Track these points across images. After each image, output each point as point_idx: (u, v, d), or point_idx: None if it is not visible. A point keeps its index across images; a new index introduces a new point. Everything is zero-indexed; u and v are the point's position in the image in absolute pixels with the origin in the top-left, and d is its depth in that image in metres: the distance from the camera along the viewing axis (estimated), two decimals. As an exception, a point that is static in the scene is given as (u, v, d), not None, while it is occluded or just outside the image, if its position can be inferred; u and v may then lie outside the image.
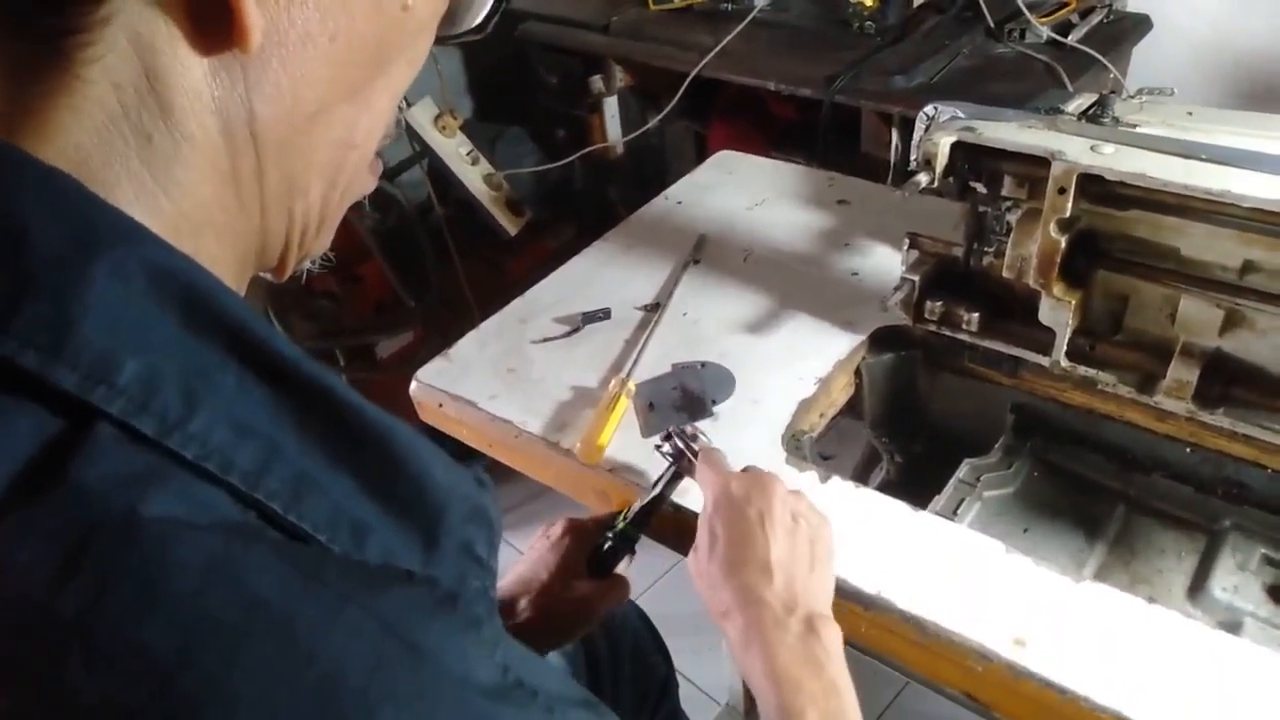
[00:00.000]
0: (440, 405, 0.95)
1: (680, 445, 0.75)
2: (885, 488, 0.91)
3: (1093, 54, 1.47)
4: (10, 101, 0.31)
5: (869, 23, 1.60)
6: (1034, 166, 0.78)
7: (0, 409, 0.28)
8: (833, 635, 0.62)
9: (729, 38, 1.62)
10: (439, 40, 0.42)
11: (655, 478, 0.77)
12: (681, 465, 0.75)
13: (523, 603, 0.74)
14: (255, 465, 0.30)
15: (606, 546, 0.75)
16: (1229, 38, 1.61)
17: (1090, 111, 0.88)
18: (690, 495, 0.77)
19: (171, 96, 0.32)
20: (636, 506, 0.76)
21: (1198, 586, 0.78)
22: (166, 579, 0.26)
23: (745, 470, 0.72)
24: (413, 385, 0.97)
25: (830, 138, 1.56)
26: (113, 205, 0.31)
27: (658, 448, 0.77)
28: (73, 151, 0.31)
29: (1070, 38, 1.49)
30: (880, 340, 0.96)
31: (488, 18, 0.44)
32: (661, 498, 0.75)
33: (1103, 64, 1.46)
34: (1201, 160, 0.72)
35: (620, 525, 0.75)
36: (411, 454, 0.34)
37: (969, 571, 0.71)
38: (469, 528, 0.35)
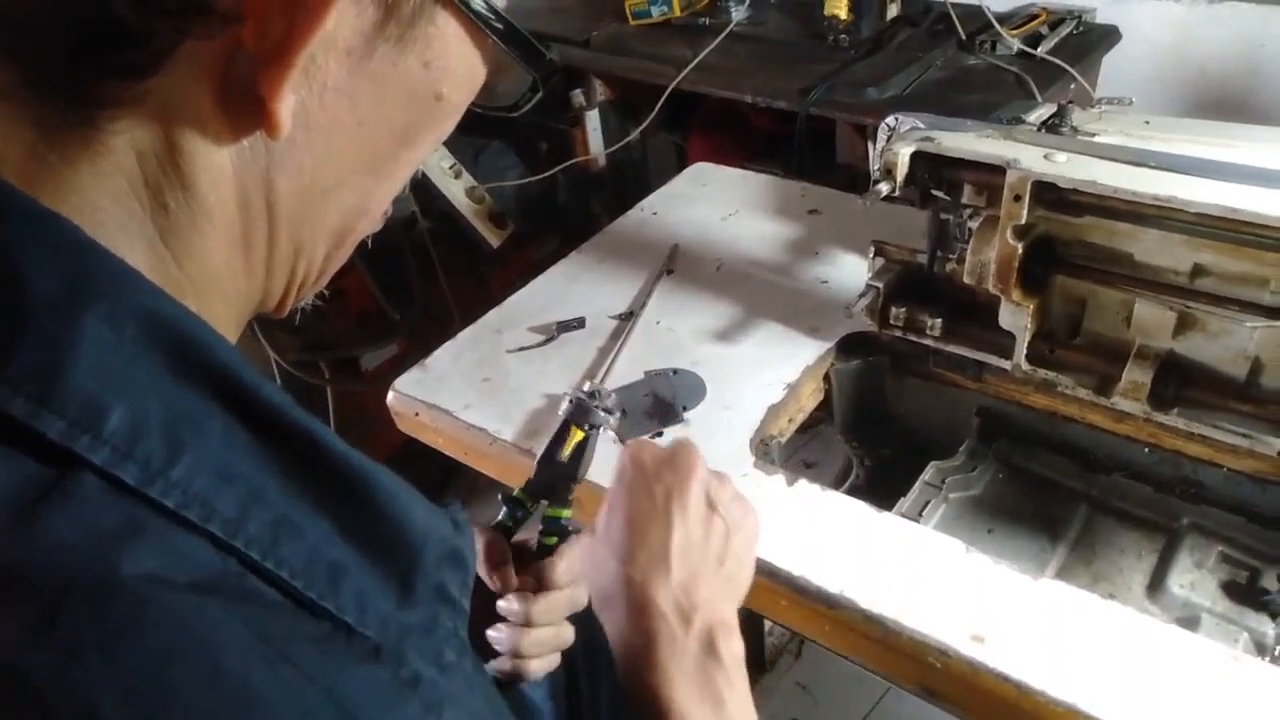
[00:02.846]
0: (417, 414, 0.96)
1: (580, 406, 0.67)
2: (854, 491, 0.93)
3: (1062, 65, 1.49)
4: (30, 157, 0.31)
5: (843, 36, 1.63)
6: (991, 175, 0.80)
7: None
8: (734, 651, 0.55)
9: (706, 51, 1.64)
10: (472, 107, 0.42)
11: (557, 443, 0.68)
12: (579, 423, 0.67)
13: None
14: (236, 511, 0.30)
15: (500, 517, 0.67)
16: (1195, 48, 1.64)
17: (1050, 121, 0.91)
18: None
19: (194, 172, 0.33)
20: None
21: (1156, 584, 0.80)
22: (133, 649, 0.26)
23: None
24: (390, 395, 0.98)
25: (806, 149, 1.58)
26: (110, 251, 0.31)
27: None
28: (89, 211, 0.32)
29: (1040, 49, 1.52)
30: (848, 346, 0.97)
31: (523, 99, 0.44)
32: (548, 460, 0.67)
33: (1071, 75, 1.49)
34: (1150, 168, 0.74)
35: (548, 509, 0.67)
36: (393, 498, 0.34)
37: (930, 571, 0.72)
38: (444, 570, 0.36)
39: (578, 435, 0.68)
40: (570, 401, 0.68)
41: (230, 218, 0.35)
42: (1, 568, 0.27)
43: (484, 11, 0.36)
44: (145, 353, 0.31)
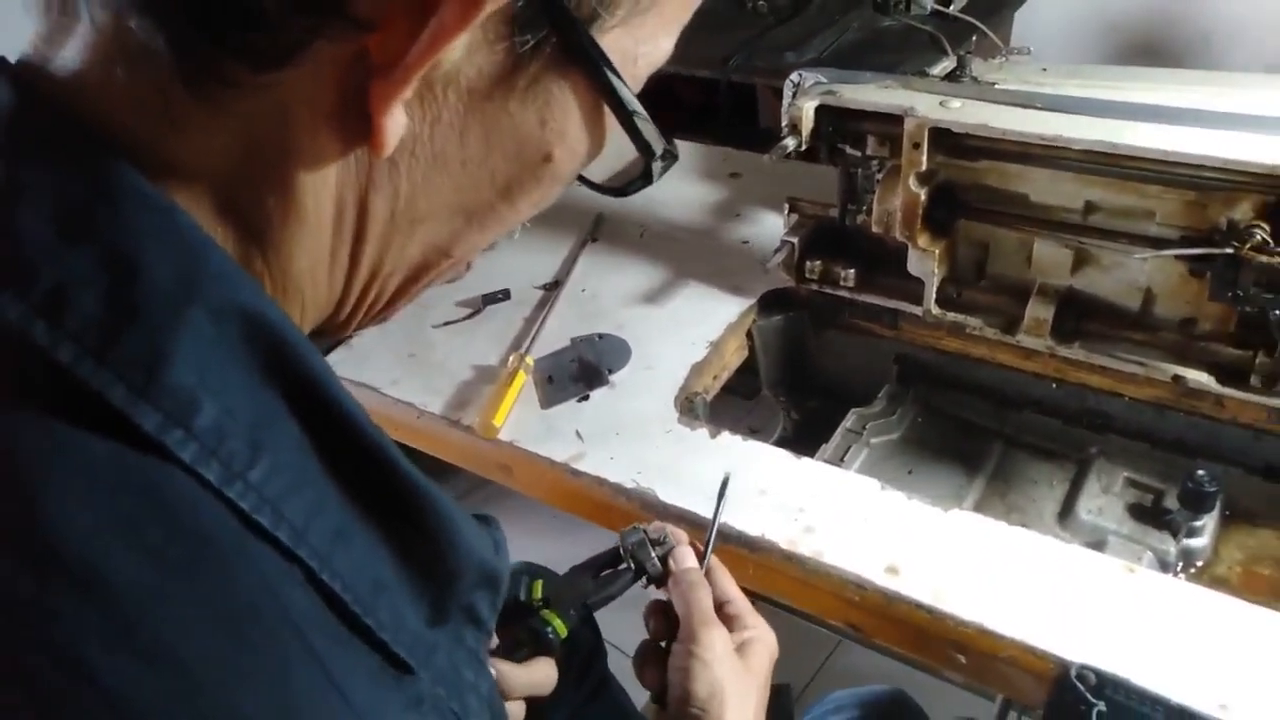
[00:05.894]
0: (344, 393, 0.96)
1: (642, 546, 0.65)
2: (782, 443, 0.95)
3: (974, 22, 1.52)
4: (152, 123, 0.31)
5: (762, 2, 1.64)
6: (891, 125, 0.82)
7: (80, 443, 0.29)
8: None
9: (627, 23, 1.64)
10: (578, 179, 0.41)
11: (599, 561, 0.67)
12: (639, 564, 0.65)
13: None
14: (302, 520, 0.31)
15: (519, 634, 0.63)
16: (1105, 2, 1.68)
17: (952, 73, 0.93)
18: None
19: (298, 172, 0.33)
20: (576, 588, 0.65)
21: (1066, 511, 0.83)
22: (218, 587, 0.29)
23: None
24: (316, 376, 0.98)
25: (730, 116, 1.60)
26: (219, 246, 0.32)
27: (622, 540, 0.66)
28: (189, 191, 0.32)
29: (952, 7, 1.54)
30: (768, 303, 0.99)
31: (632, 185, 0.42)
32: (582, 574, 0.66)
33: (983, 31, 1.52)
34: (1038, 109, 0.77)
35: (544, 613, 0.62)
36: (446, 521, 0.36)
37: (847, 510, 0.74)
38: (477, 592, 0.38)
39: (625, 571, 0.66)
40: (636, 534, 0.66)
41: (322, 225, 0.35)
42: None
43: (616, 88, 0.35)
44: (241, 352, 0.31)
